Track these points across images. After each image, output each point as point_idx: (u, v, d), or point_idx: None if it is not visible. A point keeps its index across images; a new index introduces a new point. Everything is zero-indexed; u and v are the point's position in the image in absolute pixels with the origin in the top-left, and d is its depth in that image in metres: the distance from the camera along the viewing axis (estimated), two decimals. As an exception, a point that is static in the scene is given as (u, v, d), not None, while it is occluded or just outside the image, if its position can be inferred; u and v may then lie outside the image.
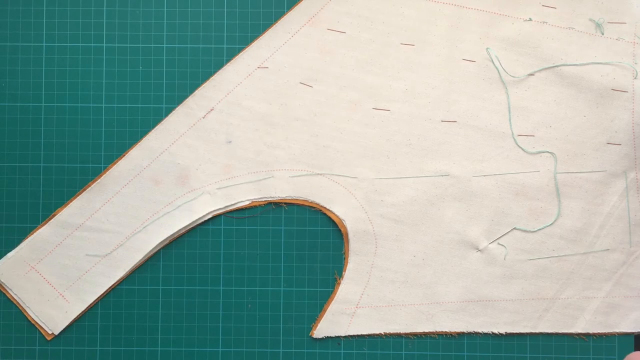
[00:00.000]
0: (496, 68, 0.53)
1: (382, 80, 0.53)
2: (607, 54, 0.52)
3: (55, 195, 0.54)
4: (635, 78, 0.52)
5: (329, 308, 0.53)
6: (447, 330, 0.53)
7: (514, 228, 0.53)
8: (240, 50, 0.54)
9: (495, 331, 0.53)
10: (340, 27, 0.53)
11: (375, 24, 0.53)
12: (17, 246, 0.54)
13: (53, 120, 0.54)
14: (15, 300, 0.54)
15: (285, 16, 0.54)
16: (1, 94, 0.55)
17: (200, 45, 0.54)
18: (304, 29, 0.53)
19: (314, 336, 0.53)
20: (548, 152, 0.53)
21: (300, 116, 0.53)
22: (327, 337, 0.54)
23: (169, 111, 0.54)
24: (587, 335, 0.53)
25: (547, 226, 0.53)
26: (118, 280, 0.54)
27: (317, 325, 0.53)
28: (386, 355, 0.54)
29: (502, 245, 0.53)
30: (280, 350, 0.54)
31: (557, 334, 0.53)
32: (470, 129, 0.53)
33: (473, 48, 0.53)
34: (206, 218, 0.54)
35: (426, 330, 0.53)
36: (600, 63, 0.52)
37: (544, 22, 0.53)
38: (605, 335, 0.53)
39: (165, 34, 0.54)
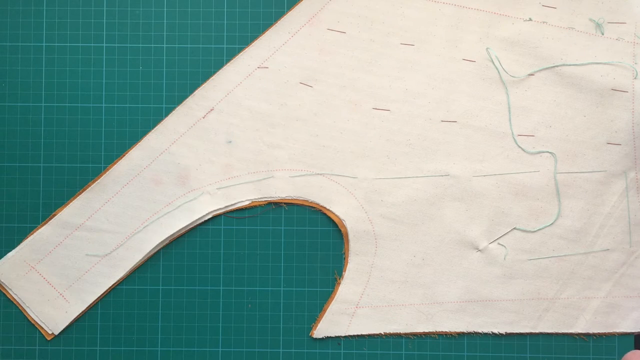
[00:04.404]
0: (496, 68, 0.53)
1: (382, 80, 0.53)
2: (607, 54, 0.52)
3: (55, 195, 0.54)
4: (635, 78, 0.52)
5: (329, 308, 0.53)
6: (447, 330, 0.53)
7: (514, 228, 0.53)
8: (240, 50, 0.54)
9: (495, 331, 0.53)
10: (340, 27, 0.53)
11: (375, 24, 0.53)
12: (17, 246, 0.54)
13: (53, 120, 0.54)
14: (15, 300, 0.54)
15: (285, 16, 0.54)
16: (1, 94, 0.55)
17: (200, 45, 0.54)
18: (304, 29, 0.53)
19: (314, 336, 0.53)
20: (548, 152, 0.53)
21: (300, 116, 0.53)
22: (327, 337, 0.54)
23: (169, 111, 0.54)
24: (587, 335, 0.53)
25: (547, 226, 0.53)
26: (118, 280, 0.54)
27: (317, 325, 0.53)
28: (386, 355, 0.54)
29: (502, 245, 0.53)
30: (280, 350, 0.54)
31: (557, 334, 0.53)
32: (470, 129, 0.53)
33: (473, 48, 0.53)
34: (206, 218, 0.54)
35: (426, 330, 0.53)
36: (600, 63, 0.52)
37: (544, 22, 0.53)
38: (605, 335, 0.53)
39: (165, 34, 0.54)
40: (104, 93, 0.54)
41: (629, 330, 0.53)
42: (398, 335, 0.54)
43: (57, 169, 0.54)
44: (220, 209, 0.54)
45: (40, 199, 0.54)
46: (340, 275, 0.54)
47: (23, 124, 0.55)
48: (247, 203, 0.54)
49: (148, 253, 0.53)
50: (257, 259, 0.54)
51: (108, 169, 0.54)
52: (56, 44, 0.55)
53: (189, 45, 0.54)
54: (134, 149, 0.54)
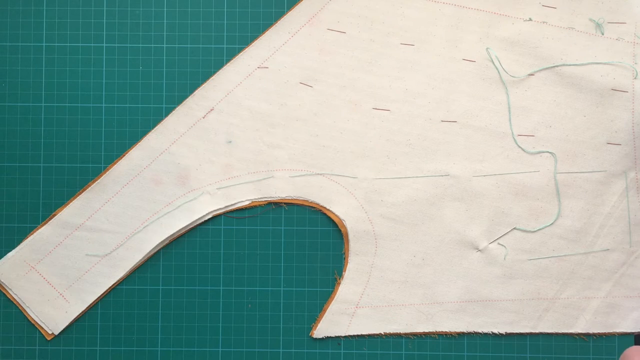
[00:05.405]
0: (496, 68, 0.53)
1: (382, 80, 0.53)
2: (607, 54, 0.52)
3: (55, 195, 0.54)
4: (635, 78, 0.52)
5: (329, 308, 0.53)
6: (447, 330, 0.53)
7: (514, 228, 0.53)
8: (240, 50, 0.54)
9: (495, 331, 0.53)
10: (340, 27, 0.53)
11: (375, 24, 0.53)
12: (17, 246, 0.54)
13: (53, 120, 0.54)
14: (15, 300, 0.54)
15: (285, 16, 0.54)
16: (1, 94, 0.55)
17: (200, 45, 0.54)
18: (304, 29, 0.53)
19: (314, 336, 0.53)
20: (548, 152, 0.53)
21: (300, 116, 0.53)
22: (327, 337, 0.54)
23: (169, 111, 0.54)
24: (587, 335, 0.53)
25: (547, 226, 0.53)
26: (118, 280, 0.54)
27: (317, 325, 0.53)
28: (386, 355, 0.54)
29: (502, 245, 0.53)
30: (280, 350, 0.54)
31: (557, 334, 0.53)
32: (470, 129, 0.53)
33: (473, 48, 0.53)
34: (206, 218, 0.54)
35: (426, 330, 0.53)
36: (600, 63, 0.52)
37: (544, 22, 0.53)
38: (605, 335, 0.53)
39: (165, 34, 0.54)
40: (104, 93, 0.54)
41: (629, 330, 0.53)
42: (398, 335, 0.54)
43: (57, 169, 0.54)
44: (220, 209, 0.54)
45: (40, 199, 0.54)
46: (340, 275, 0.54)
47: (23, 124, 0.55)
48: (247, 203, 0.54)
49: (148, 253, 0.53)
50: (257, 259, 0.54)
51: (108, 169, 0.54)
52: (56, 44, 0.55)
53: (189, 45, 0.54)
54: (134, 149, 0.54)
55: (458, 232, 0.53)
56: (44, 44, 0.55)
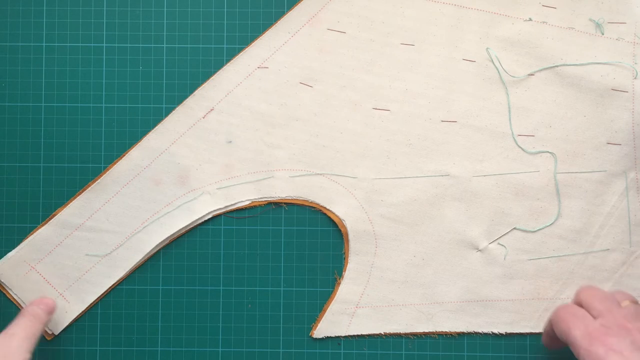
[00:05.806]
0: (496, 68, 0.53)
1: (382, 80, 0.53)
2: (607, 54, 0.52)
3: (55, 195, 0.54)
4: (635, 78, 0.52)
5: (329, 308, 0.53)
6: (447, 330, 0.53)
7: (514, 228, 0.53)
8: (240, 50, 0.54)
9: (495, 331, 0.53)
10: (340, 27, 0.53)
11: (375, 24, 0.53)
12: (17, 246, 0.54)
13: (53, 120, 0.54)
14: (15, 300, 0.54)
15: (285, 16, 0.54)
16: (1, 94, 0.55)
17: (200, 45, 0.54)
18: (304, 29, 0.53)
19: (314, 336, 0.53)
20: (548, 152, 0.53)
21: (300, 116, 0.53)
22: (327, 337, 0.54)
23: (169, 111, 0.54)
24: (587, 335, 0.53)
25: (547, 226, 0.53)
26: (118, 280, 0.54)
27: (317, 325, 0.53)
28: (386, 355, 0.54)
29: (502, 245, 0.53)
30: (280, 350, 0.54)
31: (557, 334, 0.53)
32: (470, 129, 0.53)
33: (473, 48, 0.53)
34: (206, 218, 0.54)
35: (426, 330, 0.53)
36: (600, 63, 0.52)
37: (544, 22, 0.53)
38: (605, 335, 0.53)
39: (165, 34, 0.54)
40: (104, 93, 0.54)
41: (629, 330, 0.53)
42: (398, 335, 0.54)
43: (57, 169, 0.54)
44: (220, 209, 0.54)
45: (40, 199, 0.54)
46: (340, 275, 0.54)
47: (23, 124, 0.55)
48: (247, 203, 0.54)
49: (148, 253, 0.53)
50: (257, 259, 0.54)
51: (108, 169, 0.54)
52: (56, 44, 0.55)
53: (189, 45, 0.54)
54: (134, 149, 0.54)
55: (458, 232, 0.53)
56: (44, 44, 0.55)
